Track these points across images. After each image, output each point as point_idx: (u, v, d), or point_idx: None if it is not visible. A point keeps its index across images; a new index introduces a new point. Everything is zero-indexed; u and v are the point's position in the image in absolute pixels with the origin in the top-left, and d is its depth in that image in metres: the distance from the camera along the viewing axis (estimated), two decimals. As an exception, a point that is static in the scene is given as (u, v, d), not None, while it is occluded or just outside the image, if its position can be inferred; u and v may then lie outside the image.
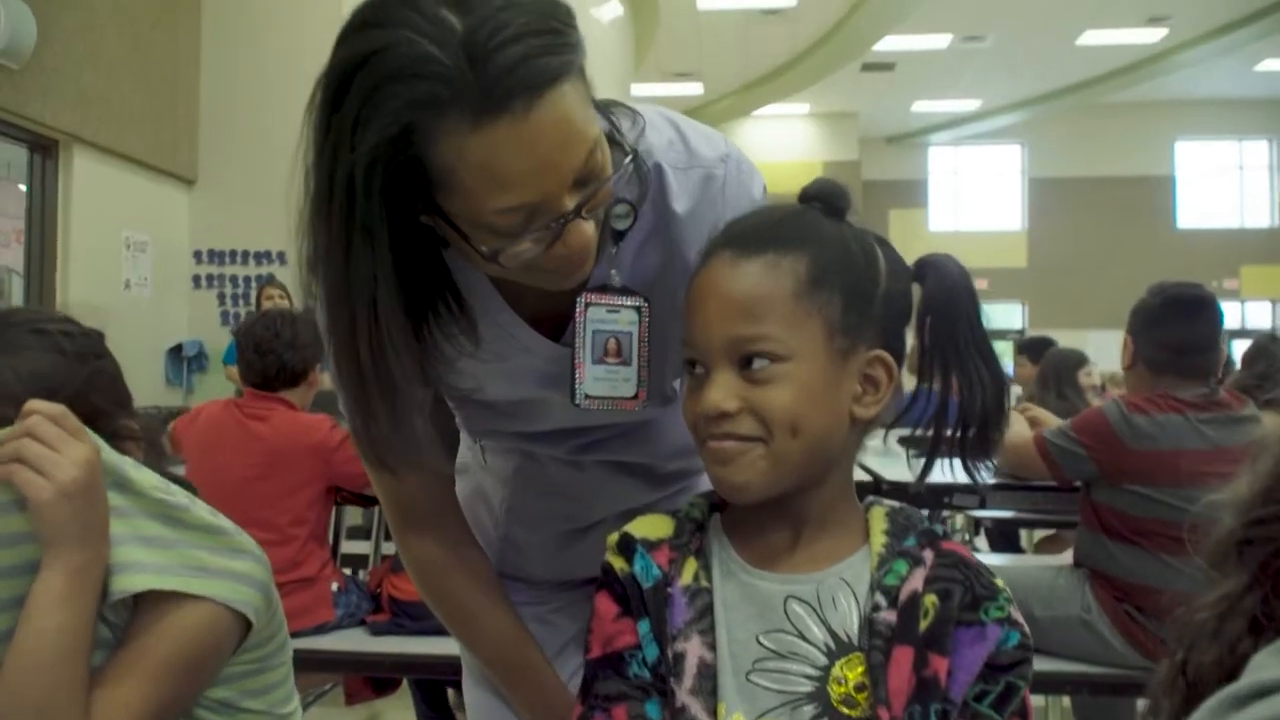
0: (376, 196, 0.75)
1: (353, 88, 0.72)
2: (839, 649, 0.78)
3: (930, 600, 0.77)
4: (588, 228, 0.81)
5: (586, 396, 0.92)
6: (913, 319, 0.84)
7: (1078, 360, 4.70)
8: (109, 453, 0.94)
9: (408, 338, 0.82)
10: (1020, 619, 0.80)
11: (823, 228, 0.82)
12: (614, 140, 0.85)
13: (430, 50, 0.71)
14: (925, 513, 0.87)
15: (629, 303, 0.92)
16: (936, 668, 0.76)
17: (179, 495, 0.97)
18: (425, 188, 0.77)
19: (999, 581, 0.81)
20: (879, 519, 0.84)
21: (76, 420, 0.91)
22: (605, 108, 0.88)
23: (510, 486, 1.14)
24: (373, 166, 0.73)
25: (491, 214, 0.76)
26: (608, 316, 0.92)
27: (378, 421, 0.84)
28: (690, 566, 0.83)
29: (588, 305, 0.91)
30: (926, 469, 0.85)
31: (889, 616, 0.77)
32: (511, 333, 0.95)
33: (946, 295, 0.83)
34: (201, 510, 0.97)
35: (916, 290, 0.85)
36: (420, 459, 0.89)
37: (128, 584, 0.91)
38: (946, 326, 0.83)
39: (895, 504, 0.86)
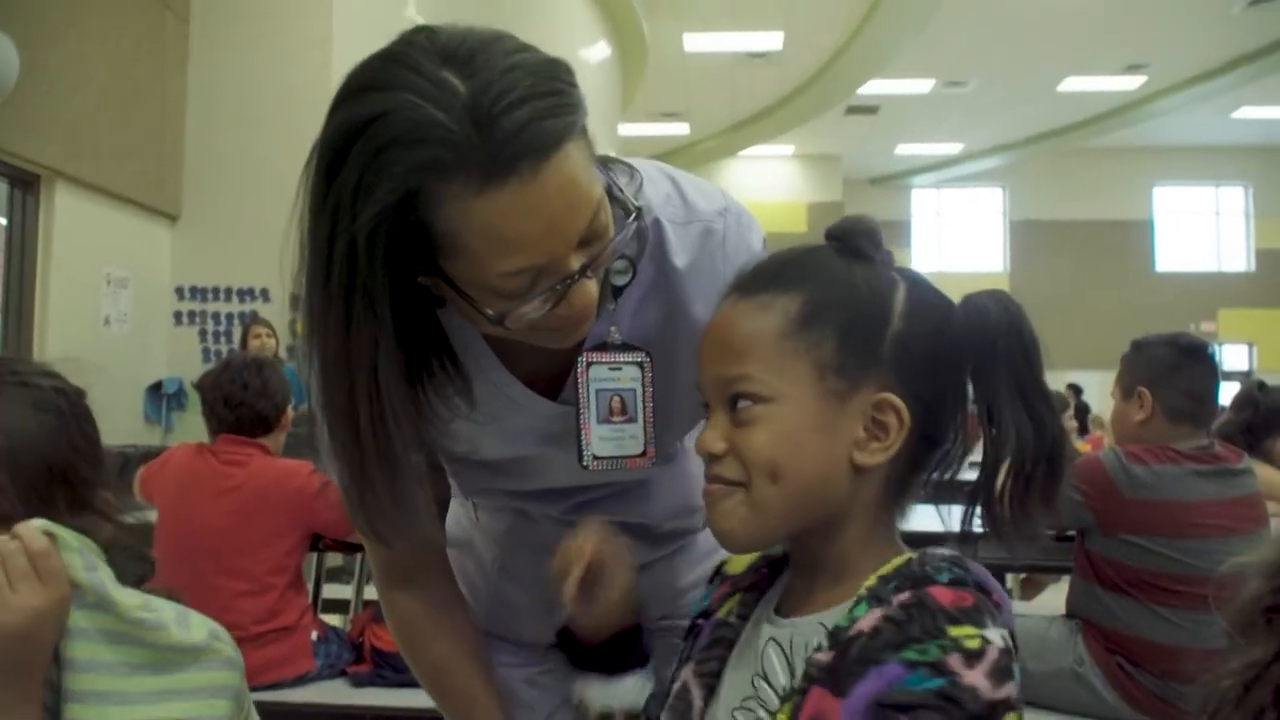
0: (379, 262, 0.73)
1: (352, 153, 0.71)
2: (790, 694, 0.73)
3: (864, 641, 0.68)
4: (591, 287, 0.80)
5: (595, 458, 0.90)
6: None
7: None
8: (94, 573, 0.90)
9: (407, 404, 0.80)
10: (958, 669, 0.65)
11: (831, 267, 0.77)
12: (614, 196, 0.84)
13: (434, 114, 0.69)
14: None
15: (631, 359, 0.91)
16: (823, 708, 0.67)
17: (161, 610, 0.93)
18: (428, 252, 0.75)
19: (962, 630, 0.66)
20: (890, 567, 0.74)
21: (56, 562, 0.87)
22: (603, 163, 0.86)
23: (502, 545, 1.11)
24: (375, 232, 0.72)
25: (497, 277, 0.75)
26: (610, 374, 0.90)
27: (376, 494, 0.82)
28: (730, 603, 0.82)
29: (589, 365, 0.90)
30: (966, 521, 0.78)
31: (823, 658, 0.70)
32: (506, 391, 0.92)
33: (979, 337, 0.75)
34: (182, 625, 0.93)
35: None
36: (417, 533, 0.86)
37: (89, 715, 0.88)
38: (982, 371, 0.76)
39: (936, 552, 0.74)
